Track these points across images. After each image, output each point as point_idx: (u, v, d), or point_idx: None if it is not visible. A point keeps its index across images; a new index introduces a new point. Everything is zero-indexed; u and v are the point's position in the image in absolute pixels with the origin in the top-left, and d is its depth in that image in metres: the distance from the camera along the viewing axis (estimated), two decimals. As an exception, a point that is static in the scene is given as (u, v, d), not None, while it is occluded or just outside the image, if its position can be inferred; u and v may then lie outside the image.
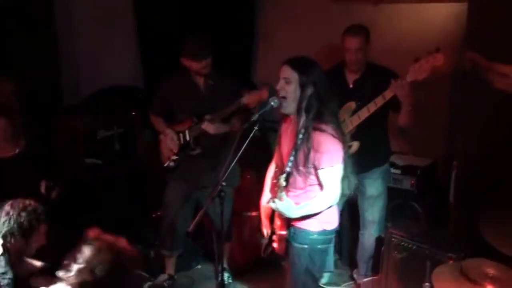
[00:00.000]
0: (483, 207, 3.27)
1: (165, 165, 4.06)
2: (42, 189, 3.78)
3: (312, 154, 2.82)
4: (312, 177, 2.89)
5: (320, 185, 2.88)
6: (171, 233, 4.14)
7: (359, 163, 3.22)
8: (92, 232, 2.25)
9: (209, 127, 3.85)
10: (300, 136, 2.85)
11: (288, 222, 3.02)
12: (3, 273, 2.64)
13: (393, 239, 3.59)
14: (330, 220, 2.98)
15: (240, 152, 2.88)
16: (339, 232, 4.34)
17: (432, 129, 4.31)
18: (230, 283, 4.28)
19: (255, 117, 2.91)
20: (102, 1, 5.07)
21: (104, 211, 4.34)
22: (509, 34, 3.36)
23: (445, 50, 3.34)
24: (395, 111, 3.57)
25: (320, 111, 2.81)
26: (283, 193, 2.89)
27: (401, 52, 3.93)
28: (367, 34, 3.67)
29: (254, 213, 4.42)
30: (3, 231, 2.67)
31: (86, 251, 2.14)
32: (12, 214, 2.68)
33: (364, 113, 3.51)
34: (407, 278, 3.50)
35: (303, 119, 2.85)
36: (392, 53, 4.12)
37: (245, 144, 2.87)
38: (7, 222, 2.67)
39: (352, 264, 4.34)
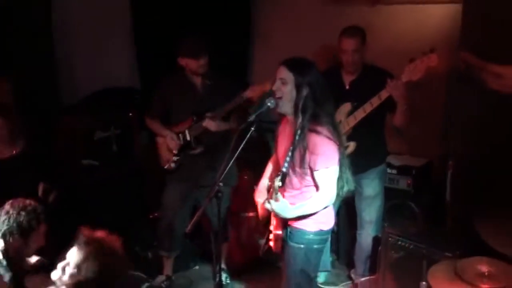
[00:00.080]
0: (479, 206, 3.29)
1: (166, 167, 4.06)
2: (40, 193, 3.78)
3: (307, 156, 2.83)
4: (308, 178, 2.91)
5: (316, 186, 2.90)
6: (169, 234, 4.14)
7: (356, 164, 3.23)
8: (83, 233, 2.26)
9: (210, 124, 3.85)
10: (297, 137, 2.87)
11: (284, 222, 3.03)
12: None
13: (390, 238, 3.60)
14: (326, 221, 3.00)
15: (237, 153, 2.90)
16: (336, 232, 4.39)
17: (427, 129, 4.33)
18: (228, 283, 4.29)
19: (251, 117, 2.92)
20: (99, 3, 5.06)
21: (101, 212, 4.33)
22: (503, 34, 3.39)
23: (440, 50, 3.37)
24: (391, 111, 3.58)
25: (316, 112, 2.83)
26: (279, 194, 2.91)
27: (397, 53, 3.95)
28: (363, 35, 3.69)
29: (251, 214, 4.44)
30: (3, 230, 2.67)
31: (77, 254, 2.15)
32: (12, 213, 2.68)
33: (360, 114, 3.53)
34: (404, 278, 3.51)
35: (299, 120, 2.86)
36: (388, 54, 4.14)
37: (242, 145, 2.88)
38: (7, 221, 2.67)
39: (349, 264, 4.35)
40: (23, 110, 4.08)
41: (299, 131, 2.86)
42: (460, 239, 3.42)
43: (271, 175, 3.24)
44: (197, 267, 4.60)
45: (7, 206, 2.72)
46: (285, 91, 2.87)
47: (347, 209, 4.19)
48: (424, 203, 4.02)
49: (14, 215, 2.68)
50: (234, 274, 4.38)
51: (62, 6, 4.83)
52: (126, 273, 2.32)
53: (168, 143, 4.00)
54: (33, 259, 2.90)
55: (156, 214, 4.64)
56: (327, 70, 3.79)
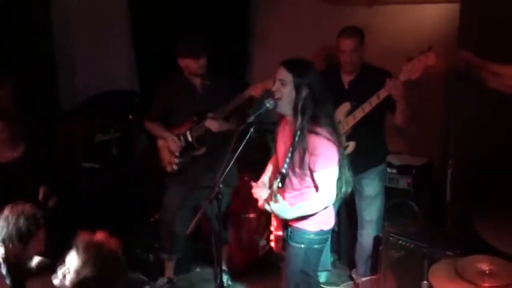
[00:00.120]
0: (479, 205, 3.29)
1: (168, 169, 4.04)
2: (40, 196, 3.77)
3: (307, 157, 2.84)
4: (308, 179, 2.92)
5: (316, 187, 2.91)
6: (170, 237, 4.14)
7: (356, 164, 3.25)
8: (81, 237, 2.26)
9: (212, 124, 3.84)
10: (296, 138, 2.87)
11: (284, 223, 3.05)
12: None
13: (390, 238, 3.60)
14: (326, 221, 3.01)
15: (237, 154, 2.91)
16: (337, 232, 4.40)
17: (427, 128, 4.33)
18: (229, 285, 4.29)
19: (250, 118, 2.93)
20: (98, 7, 5.08)
21: (102, 215, 4.34)
22: (501, 33, 3.40)
23: (438, 49, 3.37)
24: (391, 111, 3.59)
25: (315, 113, 2.84)
26: (278, 195, 2.91)
27: (395, 53, 3.95)
28: (361, 35, 3.70)
29: (252, 215, 4.44)
30: (2, 236, 2.65)
31: (76, 260, 2.16)
32: (11, 219, 2.66)
33: (359, 113, 3.53)
34: (405, 277, 3.51)
35: (298, 121, 2.87)
36: (386, 53, 4.15)
37: (241, 146, 2.89)
38: (6, 227, 2.65)
39: (350, 264, 4.35)
40: (23, 113, 4.08)
41: (298, 132, 2.86)
42: (460, 238, 3.43)
43: (271, 176, 3.24)
44: (198, 269, 4.59)
45: (6, 211, 2.70)
46: (284, 92, 2.88)
47: (347, 209, 4.19)
48: (424, 203, 4.03)
49: (13, 220, 2.65)
50: (235, 276, 4.38)
51: (61, 10, 4.85)
52: (125, 275, 2.33)
53: (170, 145, 3.99)
54: (35, 260, 2.89)
55: (156, 217, 4.64)
56: (326, 70, 3.80)
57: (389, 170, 4.12)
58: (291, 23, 5.12)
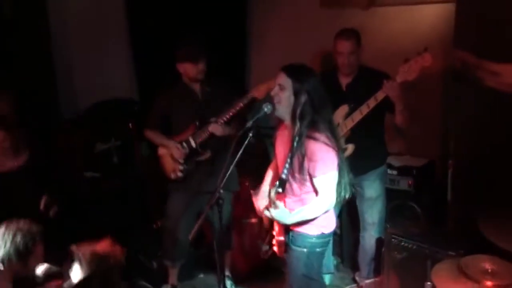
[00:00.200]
0: (480, 204, 3.29)
1: (173, 177, 4.00)
2: (41, 206, 3.78)
3: (306, 162, 2.85)
4: (308, 184, 2.92)
5: (316, 192, 2.91)
6: (173, 244, 4.12)
7: (356, 166, 3.25)
8: (83, 249, 2.27)
9: (216, 128, 3.82)
10: (295, 143, 2.88)
11: (286, 228, 3.05)
12: None
13: (393, 239, 3.60)
14: (327, 224, 3.02)
15: (236, 159, 2.91)
16: (340, 235, 4.39)
17: (427, 129, 4.33)
18: (233, 290, 4.29)
19: (249, 123, 2.93)
20: (96, 15, 5.10)
21: (105, 223, 4.34)
22: (497, 32, 3.40)
23: (435, 50, 3.38)
24: (391, 112, 3.60)
25: (314, 118, 2.84)
26: (277, 201, 2.92)
27: (392, 54, 3.95)
28: (358, 37, 3.71)
29: (253, 220, 4.44)
30: (0, 256, 2.64)
31: (80, 273, 2.16)
32: (7, 237, 2.65)
33: (357, 116, 3.54)
34: (408, 278, 3.50)
35: (297, 126, 2.88)
36: (383, 55, 4.15)
37: (240, 151, 2.89)
38: (3, 246, 2.64)
39: (354, 266, 4.34)
40: (24, 123, 4.10)
41: (297, 138, 2.87)
42: (462, 238, 3.42)
43: (271, 182, 3.25)
44: (201, 275, 4.59)
45: (1, 230, 2.68)
46: (283, 97, 2.88)
47: (349, 211, 4.19)
48: (425, 203, 4.02)
49: (10, 239, 2.64)
50: (239, 281, 4.38)
51: (60, 19, 4.88)
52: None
53: (173, 153, 3.95)
54: (41, 268, 2.87)
55: (159, 224, 4.64)
56: (323, 73, 3.80)
57: (389, 171, 4.12)
58: (288, 26, 5.14)
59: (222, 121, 3.81)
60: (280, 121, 3.06)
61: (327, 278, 3.97)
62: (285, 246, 3.10)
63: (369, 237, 3.98)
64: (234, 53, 5.41)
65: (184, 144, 3.95)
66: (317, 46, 4.60)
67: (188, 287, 4.42)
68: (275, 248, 3.20)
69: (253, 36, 5.49)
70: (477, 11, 3.55)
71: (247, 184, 4.45)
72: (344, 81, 3.78)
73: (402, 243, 3.55)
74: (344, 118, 3.58)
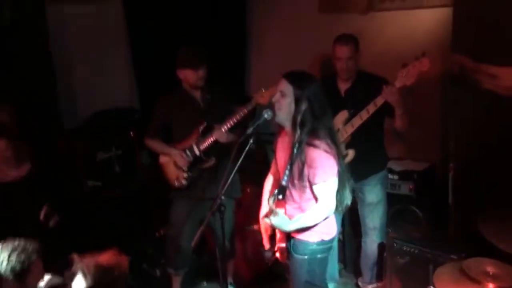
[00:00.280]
0: (481, 207, 3.29)
1: (177, 185, 3.96)
2: (41, 217, 3.76)
3: (306, 170, 2.85)
4: (308, 191, 2.92)
5: (316, 198, 2.91)
6: (177, 251, 4.10)
7: (356, 171, 3.26)
8: (86, 261, 2.27)
9: (220, 135, 3.79)
10: (295, 150, 2.88)
11: (288, 234, 3.06)
12: None
13: (394, 244, 3.61)
14: (328, 231, 3.01)
15: (237, 166, 2.92)
16: (342, 241, 4.39)
17: (427, 133, 4.35)
18: (236, 298, 4.29)
19: (249, 130, 2.93)
20: (95, 25, 5.13)
21: (107, 232, 4.35)
22: (494, 36, 3.42)
23: (433, 54, 3.40)
24: (390, 116, 3.61)
25: (314, 126, 2.84)
26: (277, 209, 2.93)
27: (390, 59, 3.97)
28: (356, 42, 3.72)
29: (255, 227, 4.41)
30: None
31: (83, 284, 2.16)
32: (3, 257, 2.62)
33: (357, 121, 3.55)
34: (411, 283, 3.51)
35: (297, 133, 2.88)
36: (382, 60, 4.18)
37: (241, 158, 2.90)
38: None
39: (356, 272, 4.34)
40: (25, 133, 4.11)
41: (297, 145, 2.87)
42: (464, 242, 3.43)
43: (272, 186, 3.26)
44: (205, 283, 4.58)
45: None
46: (283, 104, 2.89)
47: (351, 217, 4.19)
48: (426, 207, 4.02)
49: (6, 259, 2.61)
50: (242, 289, 4.38)
51: (59, 31, 4.90)
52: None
53: (177, 161, 3.91)
54: (45, 280, 2.86)
55: (162, 232, 4.64)
56: (322, 78, 3.81)
57: (390, 176, 4.12)
58: (287, 30, 5.17)
59: (226, 128, 3.79)
60: (280, 127, 3.06)
61: (330, 286, 3.96)
62: (287, 252, 3.10)
63: (371, 242, 3.98)
64: (233, 57, 5.43)
65: (188, 152, 3.91)
66: (316, 51, 4.63)
67: (191, 295, 4.42)
68: (277, 254, 3.21)
69: (253, 40, 5.52)
70: (474, 15, 3.58)
71: (248, 190, 4.46)
72: (343, 86, 3.79)
73: (404, 248, 3.56)
74: (344, 124, 3.59)
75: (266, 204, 3.22)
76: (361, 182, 3.78)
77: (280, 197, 2.95)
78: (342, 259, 4.51)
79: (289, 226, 2.93)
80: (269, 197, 3.11)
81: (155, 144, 4.04)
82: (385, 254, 3.74)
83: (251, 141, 2.92)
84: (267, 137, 3.96)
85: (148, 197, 5.00)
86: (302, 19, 5.01)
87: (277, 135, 3.16)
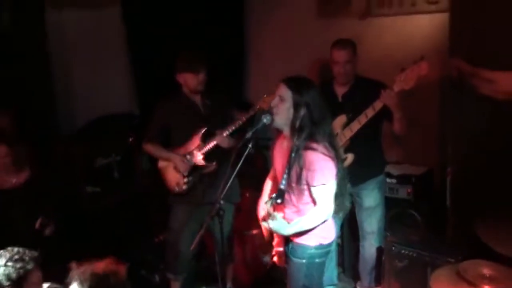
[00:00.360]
0: (479, 210, 3.30)
1: (177, 190, 3.95)
2: (37, 225, 3.75)
3: (304, 173, 2.86)
4: (306, 194, 2.93)
5: (314, 202, 2.92)
6: (176, 256, 4.10)
7: (354, 175, 3.27)
8: (84, 269, 2.27)
9: (222, 140, 3.79)
10: (293, 154, 2.89)
11: (286, 238, 3.07)
12: None
13: (393, 248, 3.61)
14: (326, 235, 3.02)
15: (236, 170, 2.93)
16: (341, 245, 4.40)
17: (425, 137, 4.35)
18: (235, 302, 4.29)
19: (248, 134, 2.95)
20: (94, 30, 5.15)
21: (106, 238, 4.36)
22: (491, 40, 3.44)
23: (431, 58, 3.42)
24: (388, 120, 3.62)
25: (313, 131, 2.86)
26: (275, 212, 2.94)
27: (388, 64, 4.00)
28: (354, 47, 3.74)
29: (255, 231, 4.44)
30: None
31: None
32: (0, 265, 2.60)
33: (355, 126, 3.57)
34: (409, 286, 3.52)
35: (295, 138, 2.89)
36: (379, 65, 4.19)
37: (240, 162, 2.91)
38: None
39: (355, 276, 4.34)
40: (24, 140, 4.12)
41: (295, 149, 2.88)
42: (462, 245, 3.44)
43: (271, 190, 3.27)
44: (204, 288, 4.61)
45: None
46: (282, 108, 2.90)
47: (349, 221, 4.19)
48: (424, 211, 4.02)
49: (2, 268, 2.59)
50: (241, 293, 4.39)
51: (58, 36, 4.92)
52: None
53: (178, 166, 3.89)
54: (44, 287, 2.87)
55: (161, 237, 4.64)
56: (319, 83, 3.83)
57: (388, 180, 4.12)
58: (286, 36, 5.17)
59: (227, 133, 3.80)
60: (278, 132, 3.07)
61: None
62: (285, 256, 3.11)
63: (369, 246, 3.99)
64: (232, 62, 5.44)
65: (188, 157, 3.92)
66: (314, 55, 4.64)
67: (190, 300, 4.42)
68: (275, 259, 3.22)
69: (251, 44, 5.52)
70: (470, 20, 3.59)
71: (248, 195, 4.46)
72: (340, 91, 3.80)
73: (403, 251, 3.56)
74: (343, 128, 3.61)
75: (263, 207, 3.22)
76: (359, 187, 3.79)
77: (279, 201, 2.96)
78: (341, 263, 4.51)
79: (288, 230, 2.94)
80: (267, 201, 3.12)
81: (155, 149, 4.02)
82: (383, 258, 3.74)
83: (250, 145, 2.93)
84: (265, 143, 3.97)
85: (147, 203, 5.00)
86: (300, 24, 5.03)
87: (275, 139, 3.17)
